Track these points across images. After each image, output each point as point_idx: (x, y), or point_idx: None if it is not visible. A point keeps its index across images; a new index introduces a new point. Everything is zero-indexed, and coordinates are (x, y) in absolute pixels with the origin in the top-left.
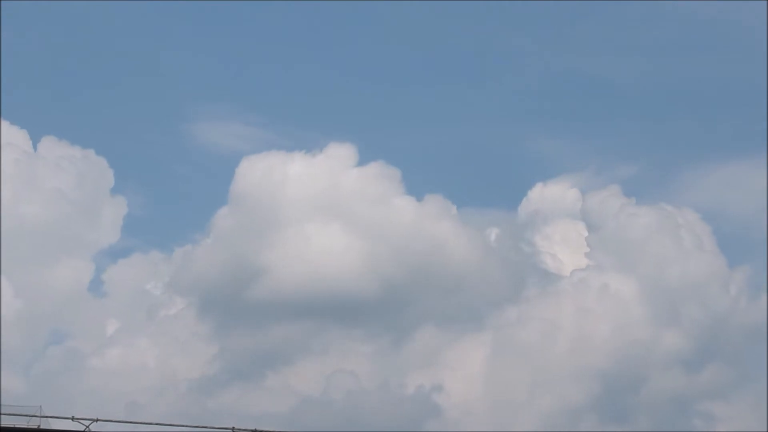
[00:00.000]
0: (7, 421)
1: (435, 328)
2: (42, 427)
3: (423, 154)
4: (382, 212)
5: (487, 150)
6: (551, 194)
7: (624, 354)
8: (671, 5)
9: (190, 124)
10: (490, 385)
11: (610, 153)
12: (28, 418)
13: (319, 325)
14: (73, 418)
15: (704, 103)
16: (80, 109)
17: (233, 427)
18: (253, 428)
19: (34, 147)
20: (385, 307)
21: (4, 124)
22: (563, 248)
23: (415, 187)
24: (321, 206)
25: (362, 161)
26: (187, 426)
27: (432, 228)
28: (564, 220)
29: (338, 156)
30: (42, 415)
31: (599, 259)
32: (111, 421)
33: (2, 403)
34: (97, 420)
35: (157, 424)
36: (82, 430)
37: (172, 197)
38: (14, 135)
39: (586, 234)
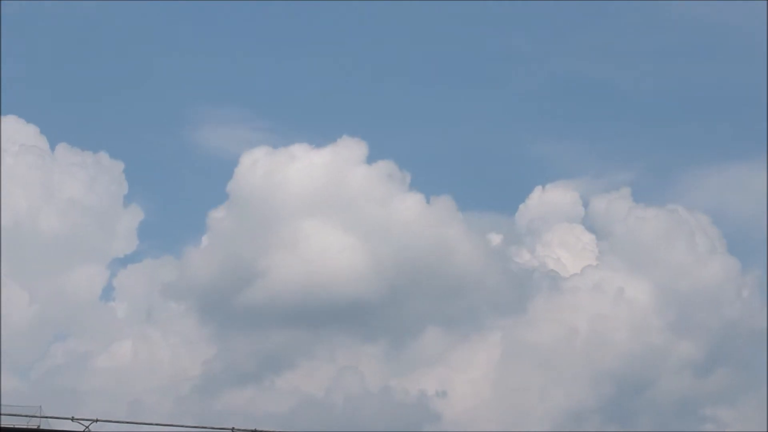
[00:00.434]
0: (7, 422)
1: (438, 331)
2: (42, 427)
3: (425, 154)
4: (385, 213)
5: (490, 152)
6: (553, 197)
7: (635, 357)
8: (671, 10)
9: (194, 127)
10: (495, 388)
11: (611, 156)
12: (28, 418)
13: (320, 327)
14: (72, 419)
15: (704, 106)
16: (85, 113)
17: (233, 428)
18: (253, 428)
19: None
20: (388, 310)
21: (22, 127)
22: (566, 251)
23: (418, 188)
24: (326, 207)
25: (367, 160)
26: (187, 426)
27: (436, 230)
28: (565, 223)
29: (340, 156)
30: (42, 415)
31: (604, 262)
32: (111, 421)
33: (2, 403)
34: (97, 420)
35: (156, 424)
36: (82, 430)
37: (180, 200)
38: (31, 137)
39: (588, 236)
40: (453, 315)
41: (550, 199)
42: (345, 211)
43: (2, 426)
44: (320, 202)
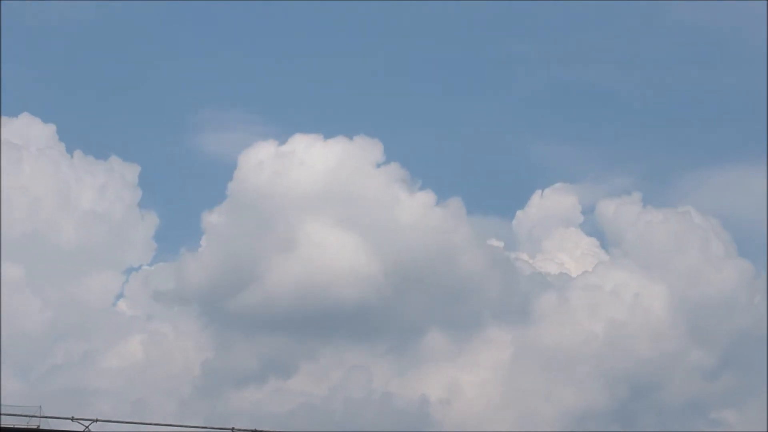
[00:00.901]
0: (7, 422)
1: (442, 335)
2: (42, 427)
3: (426, 156)
4: (386, 214)
5: (492, 155)
6: (555, 200)
7: (644, 361)
8: (672, 14)
9: (197, 129)
10: (500, 393)
11: (612, 159)
12: (27, 418)
13: (321, 331)
14: (72, 419)
15: (704, 109)
16: (87, 116)
17: (233, 428)
18: (253, 428)
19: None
20: (391, 312)
21: (40, 131)
22: (569, 254)
23: (420, 189)
24: (329, 208)
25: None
26: (187, 426)
27: (438, 232)
28: (568, 226)
29: (342, 156)
30: (42, 415)
31: (609, 264)
32: (111, 421)
33: (2, 403)
34: (97, 420)
35: (156, 424)
36: (82, 430)
37: (182, 201)
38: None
39: (591, 240)
40: (455, 319)
41: (553, 202)
42: (346, 211)
43: (2, 426)
44: (323, 204)
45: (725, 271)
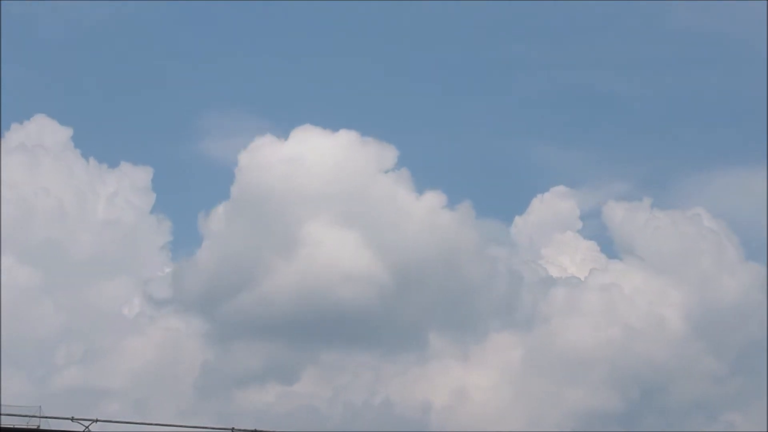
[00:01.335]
0: (7, 422)
1: (445, 338)
2: (42, 427)
3: (428, 158)
4: (388, 214)
5: (493, 158)
6: (556, 203)
7: (654, 364)
8: (672, 19)
9: (203, 133)
10: (505, 398)
11: (612, 162)
12: (27, 418)
13: (322, 335)
14: (72, 419)
15: (705, 113)
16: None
17: (233, 428)
18: (253, 428)
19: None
20: (393, 316)
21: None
22: (571, 257)
23: (424, 190)
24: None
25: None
26: (187, 426)
27: (441, 234)
28: (570, 229)
29: (344, 157)
30: (41, 415)
31: (613, 266)
32: (111, 421)
33: (2, 403)
34: (97, 420)
35: (156, 424)
36: (82, 430)
37: (185, 202)
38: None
39: (593, 242)
40: (459, 322)
41: (554, 205)
42: (349, 211)
43: (2, 426)
44: (326, 205)
45: (737, 275)
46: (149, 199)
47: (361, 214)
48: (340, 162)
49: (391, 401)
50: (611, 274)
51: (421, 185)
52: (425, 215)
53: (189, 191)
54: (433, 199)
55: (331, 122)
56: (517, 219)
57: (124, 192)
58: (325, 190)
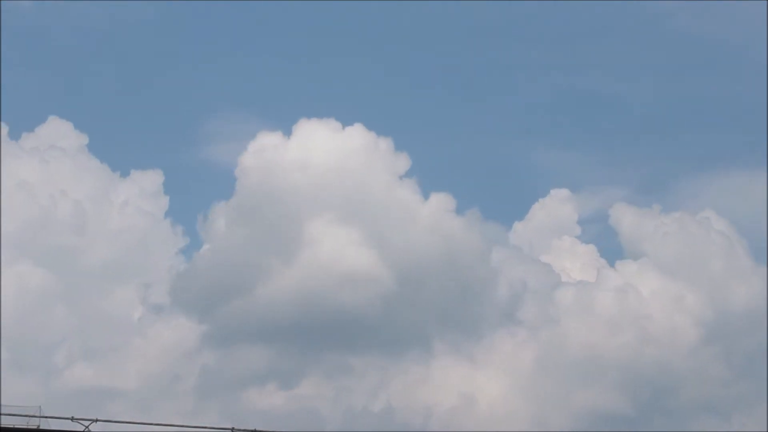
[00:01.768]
0: (7, 421)
1: (448, 341)
2: (42, 427)
3: (431, 160)
4: (388, 214)
5: (494, 161)
6: (559, 206)
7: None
8: (672, 24)
9: (208, 135)
10: (507, 404)
11: (613, 166)
12: (27, 418)
13: (323, 339)
14: (72, 419)
15: (705, 116)
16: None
17: (233, 428)
18: (252, 428)
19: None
20: (395, 319)
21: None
22: (574, 258)
23: (427, 192)
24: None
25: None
26: (187, 426)
27: (443, 235)
28: (572, 231)
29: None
30: (41, 415)
31: (617, 268)
32: (111, 421)
33: (2, 403)
34: (97, 420)
35: (156, 424)
36: (82, 430)
37: (188, 203)
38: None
39: (593, 244)
40: (462, 326)
41: (556, 209)
42: (350, 211)
43: (2, 426)
44: (329, 205)
45: (747, 277)
46: (162, 202)
47: (364, 215)
48: (342, 163)
49: (393, 406)
50: (613, 277)
51: (424, 187)
52: (429, 217)
53: (200, 193)
54: (439, 201)
55: (334, 123)
56: (520, 220)
57: (136, 197)
58: (327, 191)
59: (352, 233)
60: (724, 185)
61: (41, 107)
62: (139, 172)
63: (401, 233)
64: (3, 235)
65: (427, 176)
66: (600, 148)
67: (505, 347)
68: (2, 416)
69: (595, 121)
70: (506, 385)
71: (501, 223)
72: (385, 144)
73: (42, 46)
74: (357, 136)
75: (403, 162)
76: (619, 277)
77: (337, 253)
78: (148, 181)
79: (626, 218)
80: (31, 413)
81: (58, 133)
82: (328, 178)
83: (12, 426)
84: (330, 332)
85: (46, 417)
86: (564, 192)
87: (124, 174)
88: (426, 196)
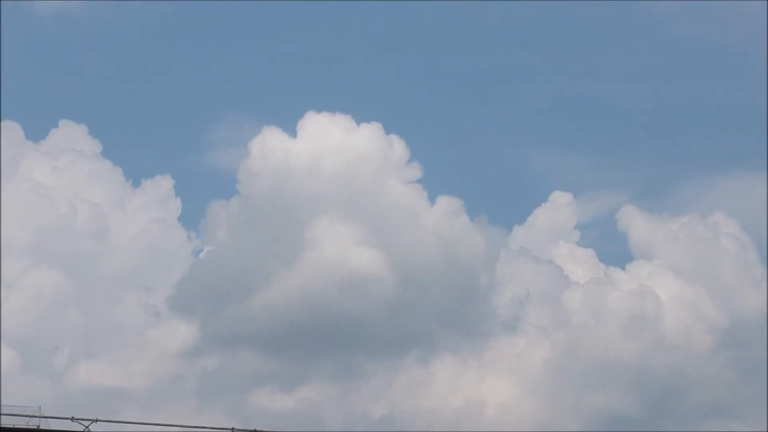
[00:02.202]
0: (7, 422)
1: (450, 342)
2: (42, 427)
3: (434, 162)
4: (388, 214)
5: (497, 165)
6: (560, 209)
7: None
8: (674, 27)
9: (212, 139)
10: (513, 407)
11: (614, 168)
12: (27, 418)
13: (324, 344)
14: (72, 419)
15: (705, 120)
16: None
17: (233, 428)
18: (252, 428)
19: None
20: (396, 322)
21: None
22: (576, 261)
23: (433, 196)
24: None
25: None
26: (187, 426)
27: (445, 236)
28: (574, 233)
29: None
30: (41, 415)
31: (620, 269)
32: (110, 421)
33: (2, 403)
34: (97, 420)
35: (156, 424)
36: (82, 430)
37: (191, 203)
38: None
39: (594, 245)
40: (465, 328)
41: (557, 212)
42: (352, 212)
43: (2, 426)
44: (331, 205)
45: (755, 279)
46: (175, 206)
47: (367, 215)
48: (346, 165)
49: (396, 408)
50: (615, 278)
51: (428, 190)
52: (433, 220)
53: (209, 197)
54: (443, 204)
55: (338, 125)
56: (521, 224)
57: (149, 202)
58: (331, 193)
59: (356, 234)
60: (725, 188)
61: (52, 111)
62: (149, 181)
63: (405, 235)
64: (19, 239)
65: (427, 178)
66: (601, 151)
67: (509, 350)
68: (2, 416)
69: (596, 124)
70: (508, 385)
71: (502, 226)
72: (390, 146)
73: (46, 49)
74: (362, 138)
75: (405, 162)
76: (632, 280)
77: (340, 256)
78: (159, 187)
79: (634, 222)
80: (31, 413)
81: (72, 137)
82: (331, 180)
83: (12, 426)
84: (333, 335)
85: (46, 417)
86: (567, 196)
87: (136, 184)
88: (432, 200)
